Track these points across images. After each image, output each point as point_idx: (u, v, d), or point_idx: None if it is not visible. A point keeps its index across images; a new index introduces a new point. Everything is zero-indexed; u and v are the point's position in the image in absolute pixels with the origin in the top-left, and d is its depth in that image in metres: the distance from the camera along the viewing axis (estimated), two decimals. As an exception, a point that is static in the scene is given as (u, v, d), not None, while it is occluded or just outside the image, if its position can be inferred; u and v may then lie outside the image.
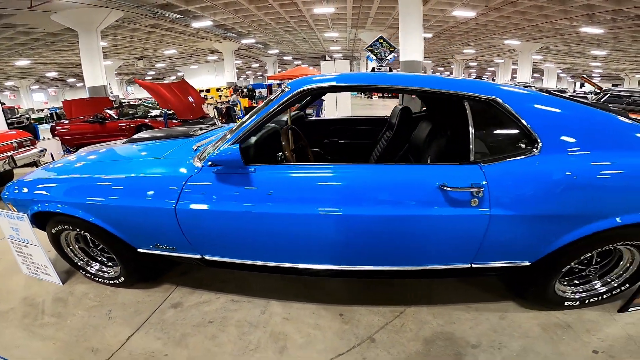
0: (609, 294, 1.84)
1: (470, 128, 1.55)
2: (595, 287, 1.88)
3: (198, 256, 1.90)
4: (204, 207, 1.68)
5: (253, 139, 1.94)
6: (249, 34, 19.50)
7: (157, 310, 2.04)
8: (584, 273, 1.86)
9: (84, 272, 2.30)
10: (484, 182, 1.49)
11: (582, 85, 12.38)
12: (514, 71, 27.09)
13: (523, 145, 1.54)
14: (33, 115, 19.40)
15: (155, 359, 1.68)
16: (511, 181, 1.49)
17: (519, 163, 1.51)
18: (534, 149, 1.51)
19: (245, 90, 17.02)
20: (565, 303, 1.86)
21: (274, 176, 1.66)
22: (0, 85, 28.07)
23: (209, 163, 1.68)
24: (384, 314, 1.92)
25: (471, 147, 1.53)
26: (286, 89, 1.72)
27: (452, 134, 1.81)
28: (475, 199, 1.48)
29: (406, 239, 1.64)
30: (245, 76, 44.60)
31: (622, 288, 1.83)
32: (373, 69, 8.52)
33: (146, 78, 36.27)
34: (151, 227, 1.84)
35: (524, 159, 1.51)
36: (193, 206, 1.69)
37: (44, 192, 2.02)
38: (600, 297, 1.86)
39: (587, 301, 1.86)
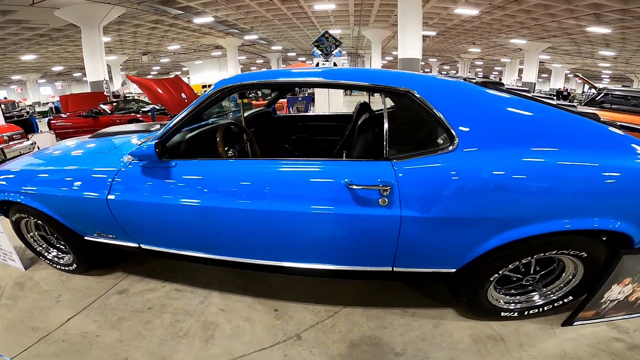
0: (550, 306, 1.74)
1: (385, 122, 1.46)
2: (533, 298, 1.76)
3: (135, 245, 1.96)
4: (130, 198, 1.74)
5: (187, 136, 1.96)
6: (252, 30, 19.51)
7: (102, 295, 2.11)
8: (522, 282, 1.75)
9: (43, 259, 2.39)
10: (393, 181, 1.38)
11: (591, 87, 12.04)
12: (521, 71, 26.67)
13: (441, 141, 1.43)
14: (38, 109, 19.71)
15: (86, 338, 1.77)
16: (423, 180, 1.38)
17: (432, 160, 1.39)
18: (451, 145, 1.39)
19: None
20: (502, 313, 1.75)
21: (191, 170, 1.68)
22: (7, 79, 28.54)
23: (133, 158, 1.73)
24: (318, 313, 1.89)
25: (385, 142, 1.44)
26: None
27: (380, 129, 1.75)
28: (384, 199, 1.38)
29: (316, 237, 1.57)
30: (250, 72, 44.74)
31: (565, 300, 1.72)
32: (317, 64, 8.43)
33: (152, 73, 36.59)
34: (90, 216, 1.91)
35: (439, 155, 1.39)
36: (121, 197, 1.75)
37: (4, 183, 2.10)
38: (540, 309, 1.74)
39: (526, 312, 1.75)
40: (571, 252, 1.52)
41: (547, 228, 1.40)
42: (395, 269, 1.60)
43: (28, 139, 6.14)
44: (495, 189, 1.35)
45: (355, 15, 16.58)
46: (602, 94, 6.24)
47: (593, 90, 7.00)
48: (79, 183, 1.85)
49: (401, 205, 1.39)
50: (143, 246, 1.95)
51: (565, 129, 1.47)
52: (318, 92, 9.29)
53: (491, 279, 1.59)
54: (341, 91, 9.60)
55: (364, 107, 2.42)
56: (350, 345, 1.67)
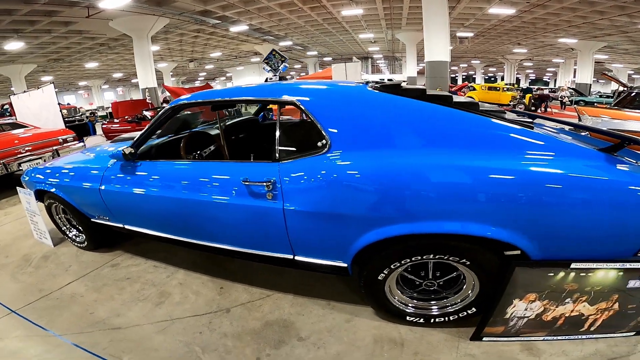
0: (456, 316, 1.71)
1: (276, 130, 1.70)
2: (430, 306, 1.76)
3: (121, 225, 2.43)
4: (112, 188, 2.23)
5: (159, 141, 2.45)
6: (286, 37, 20.23)
7: (99, 267, 2.62)
8: (424, 288, 1.76)
9: (66, 237, 3.00)
10: (277, 178, 1.60)
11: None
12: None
13: (319, 144, 1.58)
14: (100, 113, 22.10)
15: (73, 297, 2.26)
16: (299, 178, 1.57)
17: (308, 161, 1.57)
18: (324, 148, 1.56)
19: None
20: (407, 317, 1.76)
21: (149, 169, 2.10)
22: (75, 85, 32.26)
23: (113, 159, 2.21)
24: (253, 294, 2.16)
25: (276, 146, 1.68)
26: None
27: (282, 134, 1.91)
28: (270, 193, 1.61)
29: (228, 222, 1.85)
30: (290, 77, 45.90)
31: (469, 312, 1.68)
32: (266, 80, 9.15)
33: (199, 79, 39.10)
34: (91, 202, 2.44)
35: (314, 157, 1.56)
36: (107, 187, 2.25)
37: (41, 176, 2.75)
38: (446, 318, 1.72)
39: (432, 320, 1.74)
40: (450, 258, 1.53)
41: (409, 229, 1.45)
42: (296, 257, 1.79)
43: (83, 141, 6.93)
44: (355, 188, 1.47)
45: (386, 19, 16.57)
46: (633, 93, 5.70)
47: (623, 88, 6.44)
48: (84, 176, 2.41)
49: (283, 199, 1.61)
50: (126, 226, 2.42)
51: (447, 128, 1.48)
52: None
53: (379, 277, 1.65)
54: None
55: None
56: (266, 324, 1.90)
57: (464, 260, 1.53)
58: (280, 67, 9.69)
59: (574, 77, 26.79)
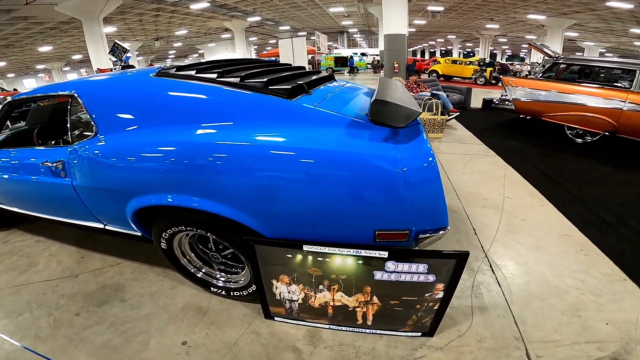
0: (246, 292, 1.75)
1: (67, 118, 1.91)
2: (217, 277, 1.86)
3: (4, 207, 2.52)
4: None
5: (15, 132, 2.67)
6: (255, 12, 19.58)
7: None
8: (217, 259, 1.88)
9: None
10: (65, 159, 1.78)
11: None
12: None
13: (94, 130, 1.71)
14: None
15: None
16: (75, 158, 1.73)
17: (82, 144, 1.72)
18: (93, 133, 1.70)
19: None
20: (212, 289, 1.86)
21: None
22: (32, 68, 30.35)
23: None
24: (106, 262, 2.29)
25: (68, 132, 1.91)
26: None
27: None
28: (62, 172, 1.80)
29: (46, 198, 2.01)
30: (266, 51, 44.64)
31: (251, 290, 1.72)
32: (111, 69, 10.17)
33: (169, 57, 37.62)
34: None
35: (86, 140, 1.72)
36: None
37: None
38: (240, 293, 1.78)
39: (232, 293, 1.81)
40: (198, 231, 1.60)
41: (143, 202, 1.57)
42: (107, 227, 1.93)
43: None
44: (105, 166, 1.62)
45: (354, -7, 16.22)
46: (557, 64, 5.66)
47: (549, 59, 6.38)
48: None
49: (71, 177, 1.78)
50: (6, 207, 2.48)
51: (189, 105, 1.56)
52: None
53: (163, 246, 1.76)
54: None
55: None
56: (101, 286, 2.05)
57: (210, 234, 1.60)
58: (123, 58, 10.59)
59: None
